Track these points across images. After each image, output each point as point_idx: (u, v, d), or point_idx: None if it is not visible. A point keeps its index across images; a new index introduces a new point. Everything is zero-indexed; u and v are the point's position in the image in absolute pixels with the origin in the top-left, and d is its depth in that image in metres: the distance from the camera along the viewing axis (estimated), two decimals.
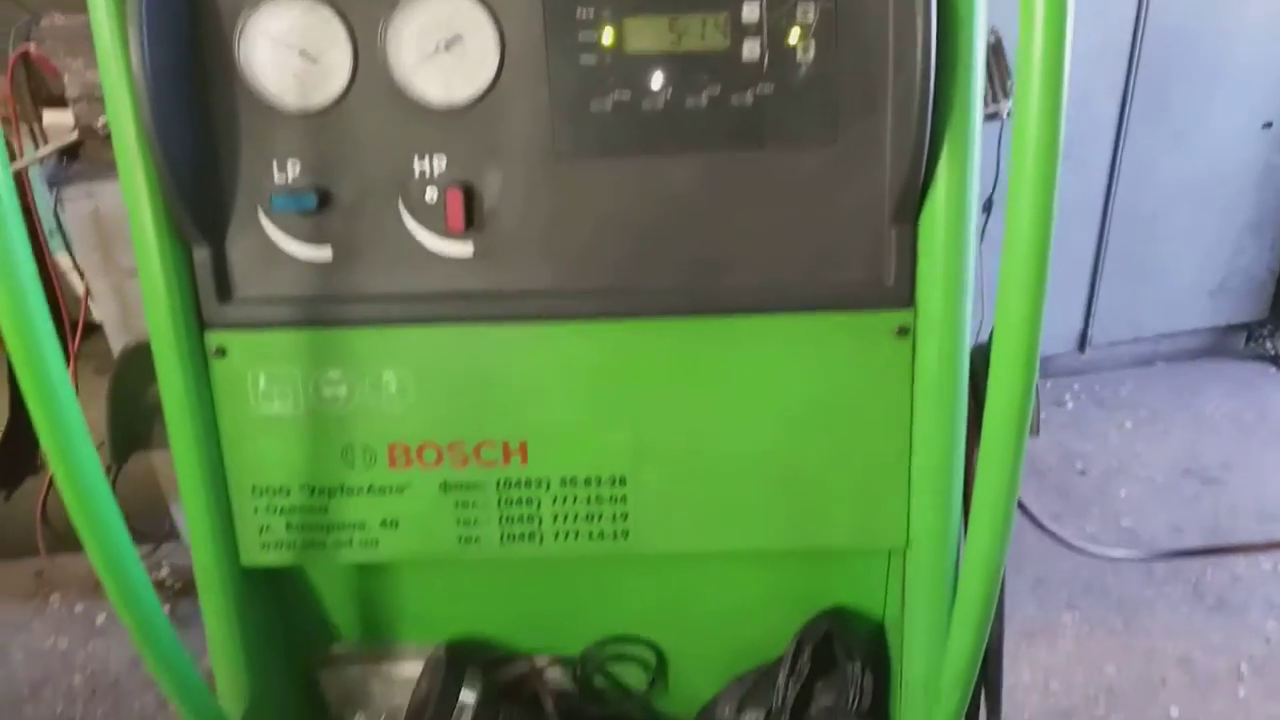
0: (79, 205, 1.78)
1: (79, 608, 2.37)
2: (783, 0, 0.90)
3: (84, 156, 1.81)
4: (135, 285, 1.86)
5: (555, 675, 1.18)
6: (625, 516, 1.01)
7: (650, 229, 0.95)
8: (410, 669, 1.15)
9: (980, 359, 1.01)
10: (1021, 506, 1.24)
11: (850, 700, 1.06)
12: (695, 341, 0.96)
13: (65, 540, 2.35)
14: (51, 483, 2.28)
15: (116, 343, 1.93)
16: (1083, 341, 2.83)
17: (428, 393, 0.98)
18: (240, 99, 0.93)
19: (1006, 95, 2.33)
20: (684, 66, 0.91)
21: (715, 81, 0.91)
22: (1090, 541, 2.38)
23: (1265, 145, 2.64)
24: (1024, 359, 0.77)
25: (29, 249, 0.75)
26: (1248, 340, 3.02)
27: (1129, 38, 2.42)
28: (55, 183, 1.78)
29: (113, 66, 0.88)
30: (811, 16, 0.90)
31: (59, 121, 2.00)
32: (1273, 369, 2.96)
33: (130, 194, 0.92)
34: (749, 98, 0.92)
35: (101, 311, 1.92)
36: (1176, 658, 2.13)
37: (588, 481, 1.00)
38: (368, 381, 0.98)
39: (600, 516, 1.01)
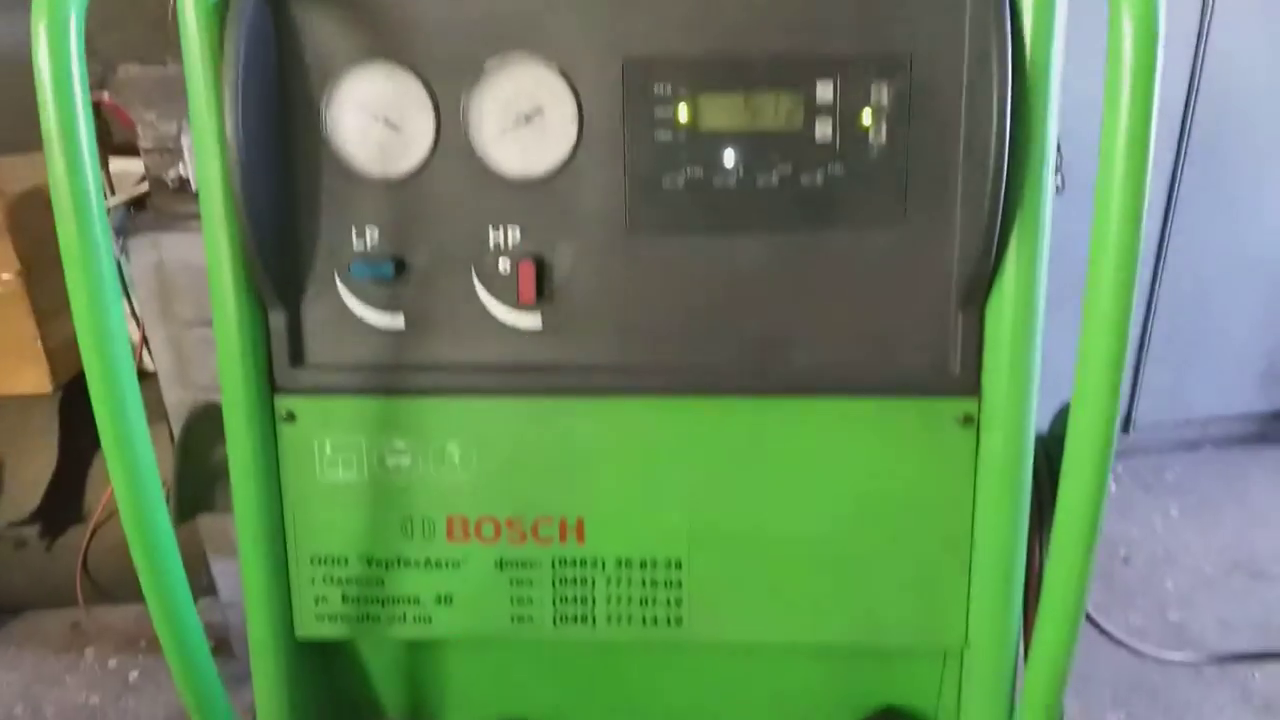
0: (144, 256, 1.82)
1: (113, 663, 2.36)
2: (856, 81, 0.91)
3: (151, 207, 1.85)
4: (194, 337, 1.90)
5: None
6: (679, 602, 1.00)
7: (718, 306, 0.95)
8: None
9: (1041, 449, 1.00)
10: None
11: None
12: (758, 422, 0.96)
13: (104, 592, 2.36)
14: (94, 533, 2.30)
15: (170, 393, 1.95)
16: (1127, 422, 2.79)
17: (489, 465, 0.98)
18: (324, 165, 0.95)
19: (1056, 169, 2.34)
20: (757, 145, 0.92)
21: (787, 161, 0.92)
22: (1139, 637, 2.32)
23: None
24: (1098, 458, 0.76)
25: (119, 298, 0.77)
26: None
27: (1180, 108, 2.41)
28: (121, 232, 1.82)
29: (205, 131, 0.90)
30: (885, 98, 0.91)
31: (125, 169, 2.06)
32: None
33: (213, 256, 0.94)
34: (820, 178, 0.92)
35: (157, 361, 1.95)
36: None
37: (643, 564, 0.99)
38: (431, 452, 0.98)
39: (654, 601, 1.00)
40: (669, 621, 1.00)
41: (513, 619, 1.01)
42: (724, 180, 0.93)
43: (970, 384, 0.94)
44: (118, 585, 2.33)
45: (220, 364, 0.97)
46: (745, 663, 1.09)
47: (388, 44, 0.92)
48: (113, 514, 2.24)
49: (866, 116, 0.91)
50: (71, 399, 2.24)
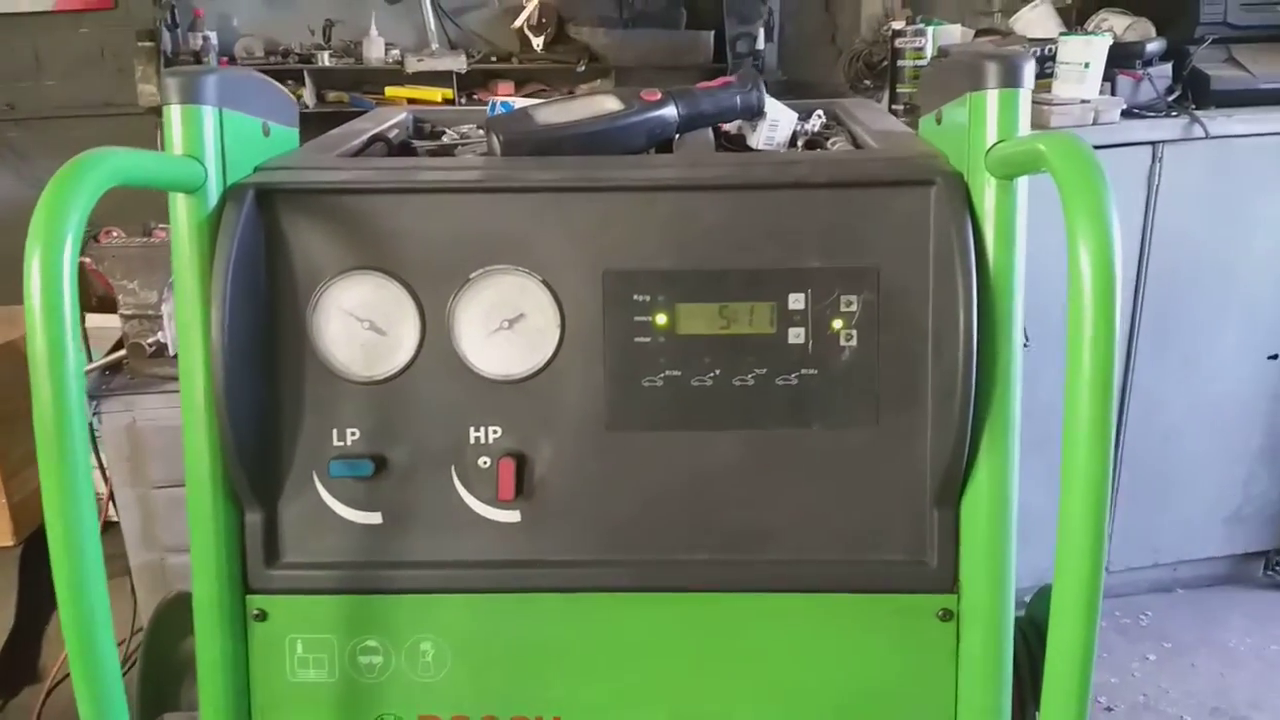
0: (117, 417, 1.82)
1: None
2: (827, 292, 0.95)
3: (126, 369, 1.86)
4: (163, 497, 1.88)
5: None
6: None
7: (695, 503, 0.96)
8: None
9: (1019, 635, 1.00)
10: None
11: None
12: (736, 618, 0.96)
13: None
14: (49, 694, 2.21)
15: (135, 554, 1.92)
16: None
17: (464, 663, 0.97)
18: (308, 368, 0.96)
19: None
20: (732, 349, 0.95)
21: (761, 364, 0.95)
22: None
23: (1272, 376, 2.69)
24: (1082, 647, 0.76)
25: (89, 461, 0.76)
26: (1265, 568, 2.99)
27: (1134, 271, 2.52)
28: (95, 395, 1.82)
29: (192, 332, 0.92)
30: (855, 307, 0.95)
31: (100, 325, 2.07)
32: None
33: (192, 454, 0.94)
34: (793, 380, 0.95)
35: (124, 520, 1.92)
36: None
37: None
38: (405, 650, 0.97)
39: None
40: None
41: None
42: (701, 381, 0.96)
43: (948, 580, 0.95)
44: None
45: (194, 561, 0.96)
46: None
47: (374, 254, 0.95)
48: (68, 675, 2.17)
49: (837, 324, 0.95)
50: (31, 554, 2.19)
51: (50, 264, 0.70)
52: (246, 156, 0.99)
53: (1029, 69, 0.93)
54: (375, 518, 0.97)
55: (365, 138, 1.19)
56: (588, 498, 0.96)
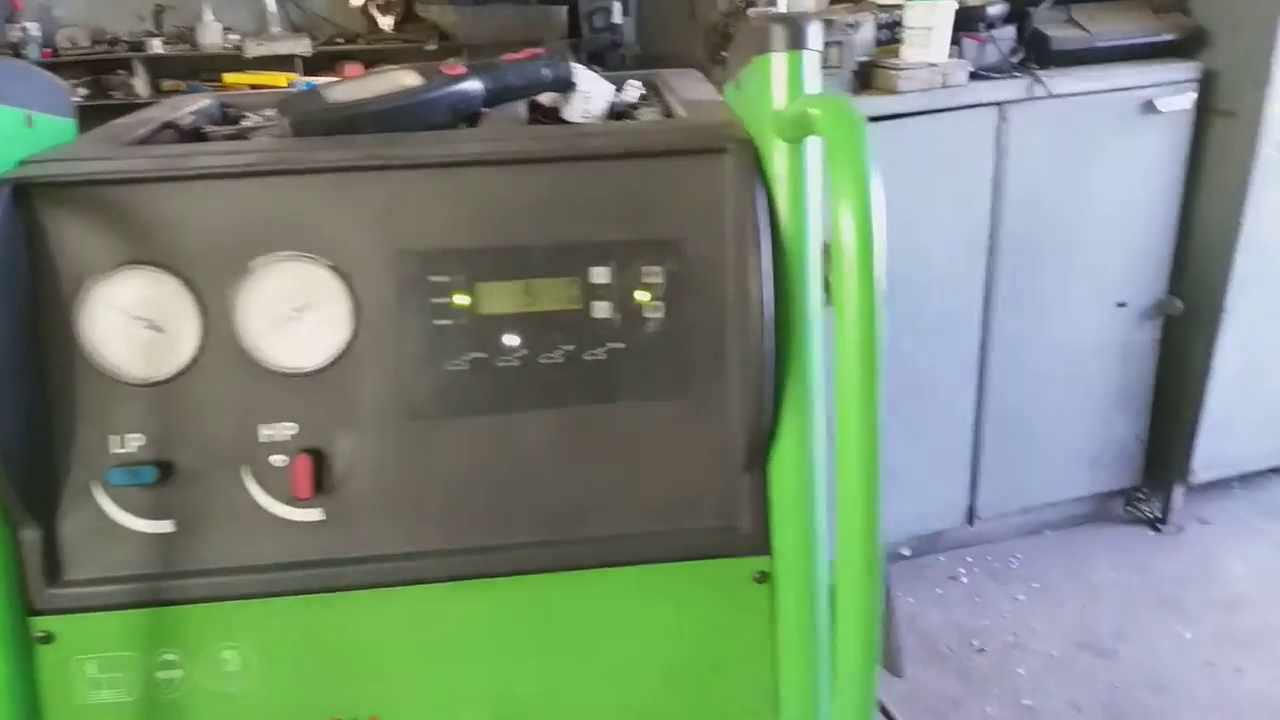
0: None
1: None
2: (630, 264, 0.93)
3: None
4: None
5: None
6: None
7: (507, 487, 0.94)
8: None
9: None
10: None
11: None
12: (555, 598, 0.95)
13: None
14: None
15: None
16: (971, 515, 2.89)
17: (271, 671, 0.93)
18: (78, 370, 0.91)
19: None
20: (537, 327, 0.93)
21: (568, 340, 0.94)
22: None
23: (1121, 323, 2.80)
24: (866, 591, 0.77)
25: None
26: (1126, 505, 3.13)
27: (987, 220, 2.58)
28: None
29: None
30: (659, 279, 0.94)
31: None
32: (1150, 532, 3.06)
33: None
34: (601, 355, 0.94)
35: None
36: None
37: None
38: (207, 662, 0.93)
39: None
40: None
41: None
42: (506, 361, 0.93)
43: (761, 542, 0.95)
44: None
45: None
46: None
47: (147, 247, 0.90)
48: None
49: (641, 296, 0.94)
50: None
51: None
52: (7, 150, 0.92)
53: (814, 31, 0.92)
54: (166, 525, 0.92)
55: (154, 125, 1.12)
56: (394, 490, 0.93)
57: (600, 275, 0.93)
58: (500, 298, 0.92)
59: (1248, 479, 3.19)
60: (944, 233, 2.56)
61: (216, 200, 0.91)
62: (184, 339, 0.91)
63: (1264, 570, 2.88)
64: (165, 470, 0.91)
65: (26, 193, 0.89)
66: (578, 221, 0.92)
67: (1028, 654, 2.63)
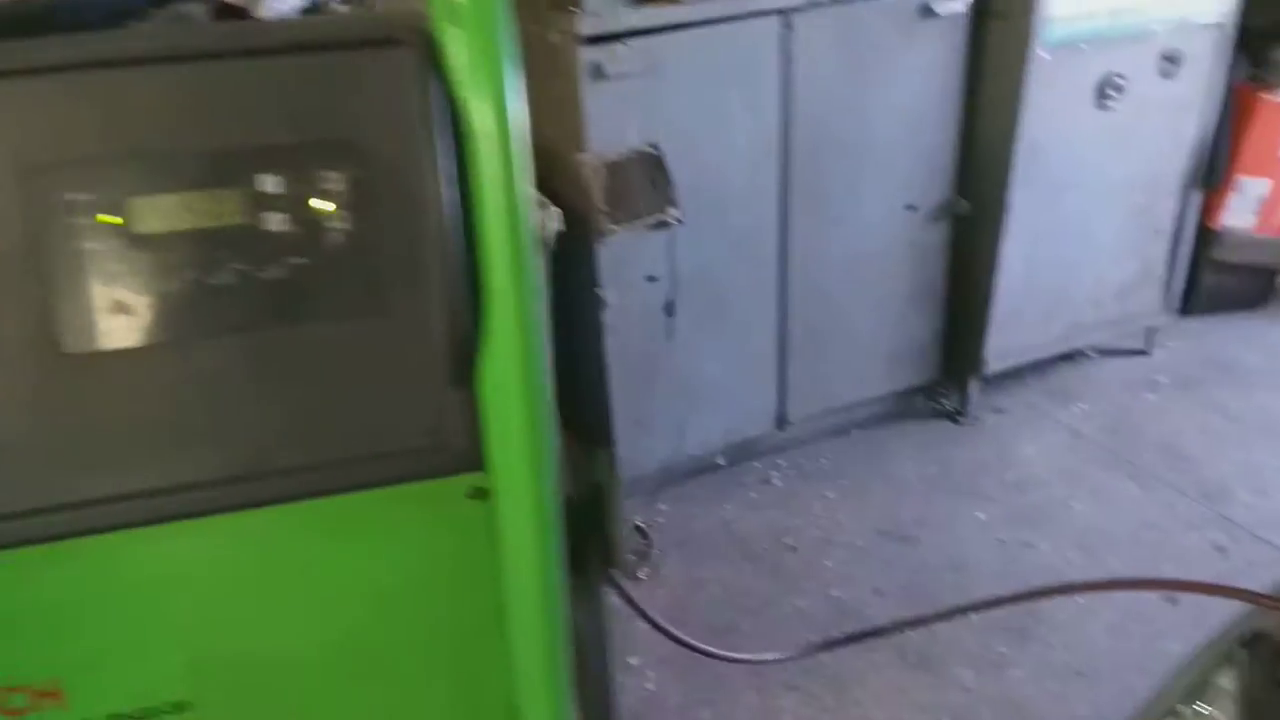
0: None
1: None
2: (304, 171, 0.86)
3: None
4: None
5: None
6: None
7: (185, 422, 0.87)
8: None
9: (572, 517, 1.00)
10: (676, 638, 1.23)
11: None
12: (251, 537, 0.89)
13: None
14: None
15: None
16: (781, 420, 2.97)
17: None
18: None
19: (672, 203, 2.44)
20: (202, 245, 0.85)
21: (239, 259, 0.86)
22: (805, 620, 2.47)
23: (912, 225, 2.89)
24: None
25: None
26: (927, 399, 3.28)
27: (778, 132, 2.60)
28: None
29: None
30: (340, 186, 0.87)
31: None
32: (950, 424, 3.23)
33: None
34: (281, 272, 0.87)
35: None
36: None
37: (144, 714, 0.89)
38: None
39: None
40: None
41: None
42: (169, 285, 0.85)
43: (474, 459, 0.92)
44: None
45: None
46: None
47: None
48: None
49: (320, 205, 0.87)
50: None
51: None
52: None
53: None
54: None
55: None
56: (51, 435, 0.84)
57: (270, 184, 0.86)
58: (154, 215, 0.84)
59: (1039, 367, 3.40)
60: (735, 145, 2.56)
61: None
62: None
63: (1051, 451, 3.09)
64: None
65: None
66: (239, 126, 0.84)
67: (836, 547, 2.74)
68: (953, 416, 3.24)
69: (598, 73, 2.22)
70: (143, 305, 0.85)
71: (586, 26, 2.17)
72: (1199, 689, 1.07)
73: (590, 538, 0.99)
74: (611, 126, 2.30)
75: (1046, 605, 2.49)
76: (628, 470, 2.78)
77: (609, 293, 2.49)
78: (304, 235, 0.87)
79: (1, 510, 0.83)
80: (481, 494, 0.92)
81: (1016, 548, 2.70)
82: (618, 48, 2.22)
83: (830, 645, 1.43)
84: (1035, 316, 3.14)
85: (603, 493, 1.01)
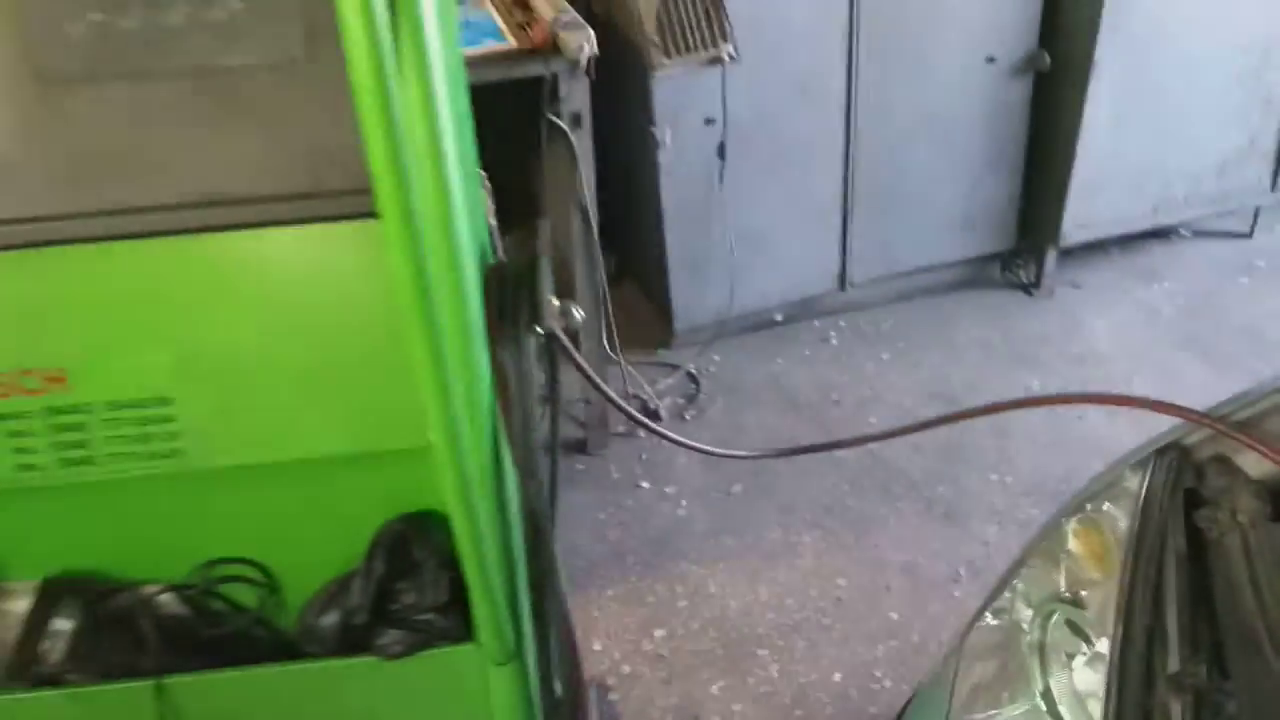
0: None
1: None
2: None
3: None
4: None
5: (169, 601, 1.21)
6: (175, 435, 1.04)
7: (148, 149, 0.96)
8: (14, 606, 1.17)
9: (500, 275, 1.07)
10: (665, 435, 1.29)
11: (429, 595, 1.12)
12: (212, 259, 1.00)
13: None
14: None
15: None
16: (843, 280, 2.96)
17: None
18: None
19: (726, 39, 2.42)
20: None
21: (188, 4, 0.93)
22: (840, 468, 2.50)
23: (991, 80, 2.78)
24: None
25: None
26: (1002, 269, 3.20)
27: None
28: None
29: None
30: None
31: None
32: (1023, 295, 3.15)
33: None
34: (221, 13, 0.93)
35: None
36: (901, 566, 2.28)
37: (134, 403, 1.03)
38: None
39: (151, 437, 1.04)
40: (167, 455, 1.05)
41: (16, 468, 1.05)
42: (128, 23, 0.93)
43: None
44: None
45: None
46: (279, 489, 1.15)
47: None
48: None
49: None
50: None
51: None
52: None
53: None
54: None
55: None
56: (31, 151, 0.95)
57: None
58: None
59: (1125, 242, 3.26)
60: None
61: None
62: None
63: (1122, 328, 2.99)
64: None
65: None
66: None
67: (881, 405, 2.76)
68: (1026, 288, 3.16)
69: None
70: (106, 40, 0.93)
71: None
72: (1109, 490, 1.09)
73: (520, 296, 1.05)
74: None
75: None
76: (683, 319, 2.85)
77: (665, 133, 2.51)
78: None
79: (6, 215, 0.96)
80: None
81: (1066, 418, 2.65)
82: None
83: (795, 452, 1.48)
84: (1122, 187, 2.99)
85: (535, 262, 1.08)
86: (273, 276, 1.01)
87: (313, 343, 1.03)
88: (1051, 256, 3.09)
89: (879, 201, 2.87)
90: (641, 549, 2.35)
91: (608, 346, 2.53)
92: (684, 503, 2.47)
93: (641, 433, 2.66)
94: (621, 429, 2.66)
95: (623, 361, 2.63)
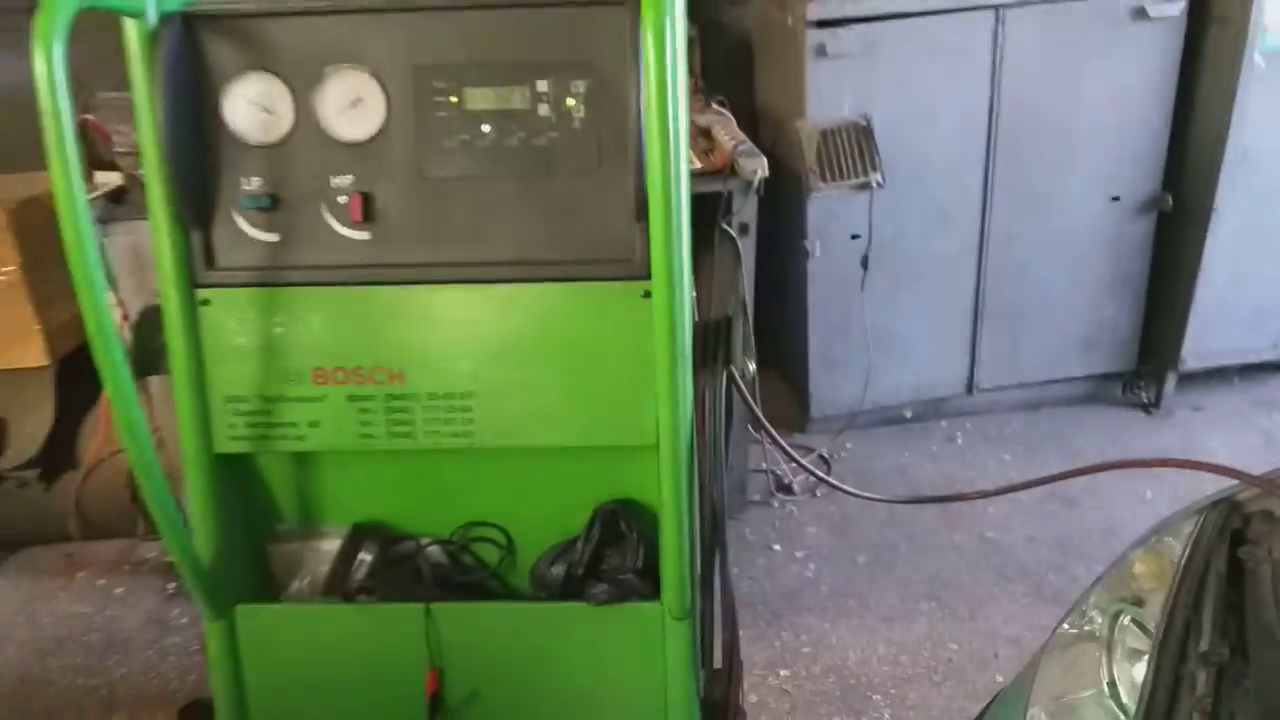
0: (121, 240, 2.32)
1: (101, 582, 2.83)
2: (562, 79, 1.41)
3: (127, 201, 2.35)
4: None
5: (435, 552, 1.63)
6: (471, 421, 1.48)
7: (483, 226, 1.44)
8: (331, 545, 1.61)
9: (706, 328, 1.49)
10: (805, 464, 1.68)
11: (629, 560, 1.50)
12: (514, 302, 1.45)
13: (94, 527, 2.83)
14: (86, 477, 2.77)
15: None
16: (970, 385, 3.26)
17: (338, 333, 1.47)
18: (223, 138, 1.44)
19: (875, 169, 2.84)
20: (503, 119, 1.42)
21: (522, 130, 1.42)
22: (956, 553, 2.76)
23: (1115, 216, 3.09)
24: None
25: (102, 277, 1.25)
26: (1124, 389, 3.43)
27: (985, 115, 2.91)
28: (104, 220, 2.31)
29: (144, 117, 1.40)
30: (581, 90, 1.41)
31: (106, 180, 2.55)
32: (1143, 414, 3.36)
33: (153, 200, 1.43)
34: (543, 141, 1.42)
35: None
36: (1009, 638, 2.51)
37: (446, 396, 1.48)
38: (301, 324, 1.47)
39: (454, 421, 1.48)
40: (465, 435, 1.49)
41: (360, 435, 1.50)
42: (482, 142, 1.42)
43: (645, 269, 1.40)
44: (106, 522, 2.81)
45: (158, 272, 1.45)
46: (526, 471, 1.57)
47: (261, 59, 1.42)
48: (101, 462, 2.73)
49: (570, 101, 1.41)
50: (65, 372, 2.70)
51: (48, 59, 1.14)
52: None
53: None
54: (274, 237, 1.46)
55: None
56: (412, 221, 1.44)
57: (543, 85, 1.41)
58: (478, 99, 1.42)
59: (1248, 372, 3.45)
60: (941, 123, 2.91)
61: (305, 30, 1.42)
62: (284, 118, 1.43)
63: (1239, 451, 3.16)
64: (274, 201, 1.44)
65: (190, 21, 1.41)
66: (529, 48, 1.40)
67: (1002, 500, 3.01)
68: (1146, 407, 3.37)
69: (820, 51, 2.68)
70: (465, 153, 1.42)
71: (814, 12, 2.64)
72: (1170, 528, 1.39)
73: (719, 344, 1.47)
74: (829, 99, 2.75)
75: None
76: (819, 408, 3.21)
77: (815, 245, 2.93)
78: (558, 119, 1.41)
79: (383, 261, 1.44)
80: (648, 295, 1.41)
81: None
82: (840, 31, 2.66)
83: (931, 500, 1.82)
84: (1242, 321, 3.21)
85: (730, 321, 1.49)
86: (554, 316, 1.45)
87: (573, 365, 1.46)
88: (1171, 379, 3.31)
89: (1007, 316, 3.18)
90: (771, 601, 2.67)
91: (750, 426, 2.90)
92: (812, 566, 2.78)
93: (775, 502, 3.00)
94: (757, 497, 3.00)
95: (764, 440, 2.99)
